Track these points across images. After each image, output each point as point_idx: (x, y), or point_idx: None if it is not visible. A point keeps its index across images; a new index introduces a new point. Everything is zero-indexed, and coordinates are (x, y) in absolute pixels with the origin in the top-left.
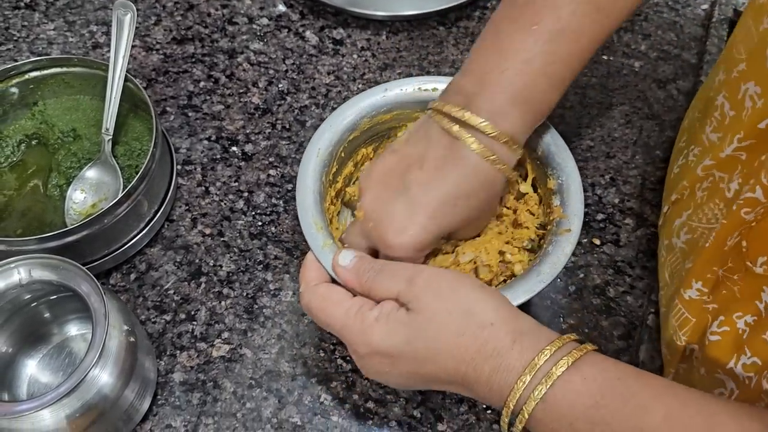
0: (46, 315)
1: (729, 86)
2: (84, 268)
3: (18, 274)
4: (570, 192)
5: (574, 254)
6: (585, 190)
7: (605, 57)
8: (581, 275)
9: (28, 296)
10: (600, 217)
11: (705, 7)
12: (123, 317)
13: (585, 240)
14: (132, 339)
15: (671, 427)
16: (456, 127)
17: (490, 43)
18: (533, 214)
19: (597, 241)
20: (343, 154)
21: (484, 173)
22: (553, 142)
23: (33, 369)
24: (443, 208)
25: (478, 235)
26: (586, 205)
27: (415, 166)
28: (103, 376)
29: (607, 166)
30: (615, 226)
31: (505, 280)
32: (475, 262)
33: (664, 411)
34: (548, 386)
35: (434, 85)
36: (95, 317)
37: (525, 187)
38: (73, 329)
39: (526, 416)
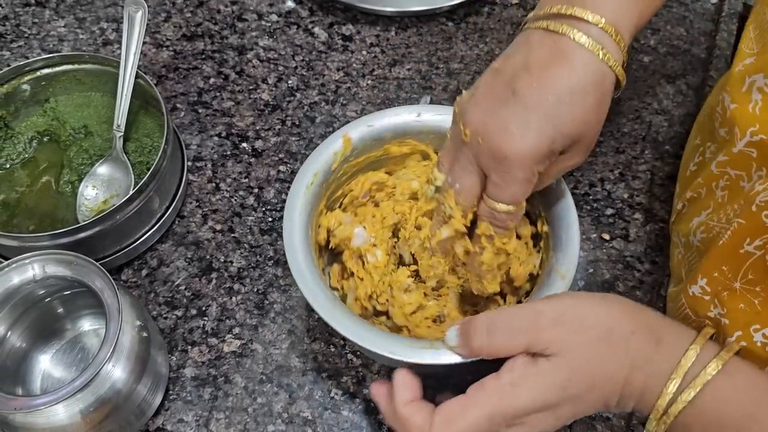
0: (60, 310)
1: (733, 83)
2: (97, 263)
3: (32, 269)
4: (568, 245)
5: (583, 249)
6: (594, 185)
7: None
8: (591, 270)
9: (42, 292)
10: (609, 212)
11: (714, 1)
12: (136, 313)
13: (594, 235)
14: (145, 334)
15: None
16: (556, 24)
17: None
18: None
19: (606, 236)
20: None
21: (594, 69)
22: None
23: (46, 364)
24: (558, 108)
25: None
26: (596, 200)
27: (521, 72)
28: (117, 371)
29: (617, 161)
30: (624, 222)
31: None
32: None
33: None
34: (697, 391)
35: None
36: (109, 312)
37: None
38: (86, 325)
39: (671, 418)
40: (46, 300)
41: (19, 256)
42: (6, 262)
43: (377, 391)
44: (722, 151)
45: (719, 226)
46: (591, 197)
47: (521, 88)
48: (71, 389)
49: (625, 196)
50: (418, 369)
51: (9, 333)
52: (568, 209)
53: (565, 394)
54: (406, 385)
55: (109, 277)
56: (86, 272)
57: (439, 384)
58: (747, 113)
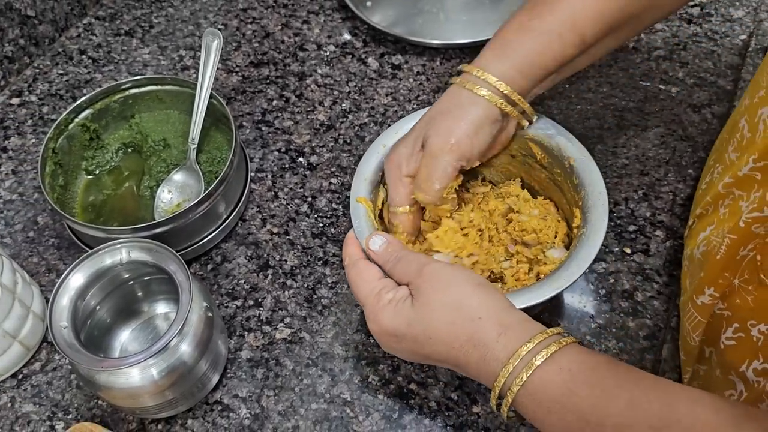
0: (139, 294)
1: (750, 110)
2: (173, 250)
3: (120, 254)
4: (597, 203)
5: (605, 261)
6: (618, 204)
7: (643, 83)
8: (612, 280)
9: (127, 275)
10: (632, 228)
11: (743, 37)
12: (203, 296)
13: (617, 249)
14: (210, 314)
15: (632, 411)
16: (469, 83)
17: (500, 35)
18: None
19: (628, 250)
20: None
21: (491, 110)
22: (582, 156)
23: (125, 339)
24: (472, 135)
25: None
26: (620, 218)
27: (437, 115)
28: (183, 345)
29: (641, 182)
30: (645, 237)
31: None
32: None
33: (627, 397)
34: (528, 374)
35: None
36: (181, 292)
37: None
38: (160, 308)
39: (510, 400)
40: (129, 283)
41: (110, 242)
42: (100, 246)
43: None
44: (728, 173)
45: (716, 240)
46: (615, 215)
47: (436, 128)
48: (148, 353)
49: (648, 214)
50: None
51: (98, 307)
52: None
53: (409, 331)
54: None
55: (183, 262)
56: (164, 258)
57: None
58: (754, 142)
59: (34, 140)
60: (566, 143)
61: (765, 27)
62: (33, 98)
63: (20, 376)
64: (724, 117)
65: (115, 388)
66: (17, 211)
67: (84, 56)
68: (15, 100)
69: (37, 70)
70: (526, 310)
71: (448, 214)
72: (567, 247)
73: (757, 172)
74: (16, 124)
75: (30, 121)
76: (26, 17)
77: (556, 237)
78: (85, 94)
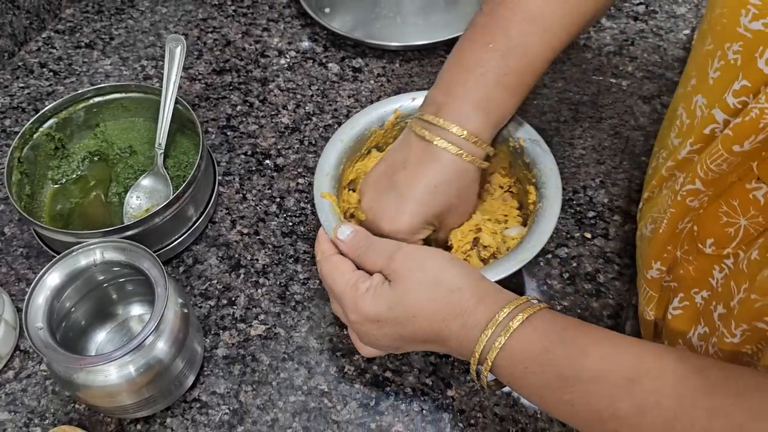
0: (114, 296)
1: (685, 98)
2: (147, 248)
3: (95, 254)
4: (549, 180)
5: (567, 246)
6: (577, 191)
7: (595, 77)
8: (574, 264)
9: (101, 277)
10: (591, 214)
11: (686, 32)
12: (178, 293)
13: (578, 234)
14: (185, 311)
15: (606, 365)
16: (428, 133)
17: (455, 59)
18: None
19: (588, 235)
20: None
21: (457, 165)
22: (537, 146)
23: (100, 341)
24: (426, 197)
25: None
26: (579, 205)
27: (399, 168)
28: (160, 343)
29: (598, 171)
30: (605, 222)
31: (484, 261)
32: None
33: (600, 352)
34: (506, 337)
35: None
36: (156, 287)
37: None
38: (135, 310)
39: (490, 363)
40: (104, 285)
41: (84, 243)
42: (75, 247)
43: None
44: (671, 158)
45: (660, 216)
46: (575, 202)
47: (398, 182)
48: (126, 349)
49: (606, 200)
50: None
51: (73, 309)
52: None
53: (390, 314)
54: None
55: (157, 259)
56: (138, 257)
57: None
58: (693, 127)
59: None
60: (516, 126)
61: None
62: None
63: None
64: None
65: (94, 387)
66: None
67: (45, 69)
68: None
69: None
70: None
71: None
72: (524, 224)
73: (694, 154)
74: None
75: None
76: None
77: (507, 220)
78: (47, 106)
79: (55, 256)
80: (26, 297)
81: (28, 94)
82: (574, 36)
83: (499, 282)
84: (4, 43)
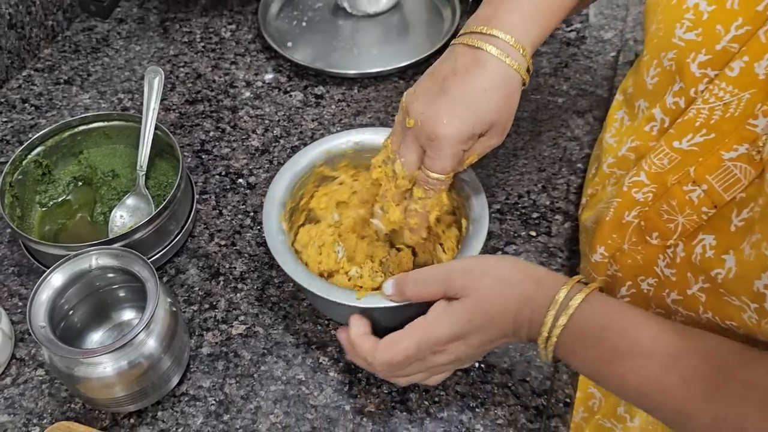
0: (108, 302)
1: (627, 104)
2: (138, 253)
3: (89, 261)
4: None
5: (515, 243)
6: (522, 196)
7: (534, 96)
8: (522, 259)
9: (97, 283)
10: (535, 215)
11: (613, 54)
12: (167, 293)
13: (524, 233)
14: (174, 309)
15: (655, 342)
16: (477, 41)
17: None
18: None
19: (533, 233)
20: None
21: (503, 72)
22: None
23: (94, 341)
24: (476, 101)
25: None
26: (524, 207)
27: (449, 75)
28: (150, 340)
29: (539, 177)
30: (547, 222)
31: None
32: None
33: (649, 331)
34: (567, 318)
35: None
36: (148, 286)
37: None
38: (127, 315)
39: (554, 340)
40: (99, 291)
41: (80, 250)
42: (73, 253)
43: (340, 333)
44: (611, 156)
45: (605, 207)
46: (520, 205)
47: (449, 86)
48: (123, 341)
49: (547, 203)
50: (365, 313)
51: (71, 312)
52: (481, 202)
53: (472, 326)
54: (358, 323)
55: (148, 262)
56: (129, 261)
57: (387, 332)
58: (633, 127)
59: None
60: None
61: (630, 45)
62: None
63: None
64: (603, 119)
65: (93, 380)
66: None
67: (27, 104)
68: None
69: None
70: None
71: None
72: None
73: (631, 152)
74: None
75: None
76: None
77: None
78: (30, 138)
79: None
80: (30, 296)
81: (12, 127)
82: None
83: None
84: None
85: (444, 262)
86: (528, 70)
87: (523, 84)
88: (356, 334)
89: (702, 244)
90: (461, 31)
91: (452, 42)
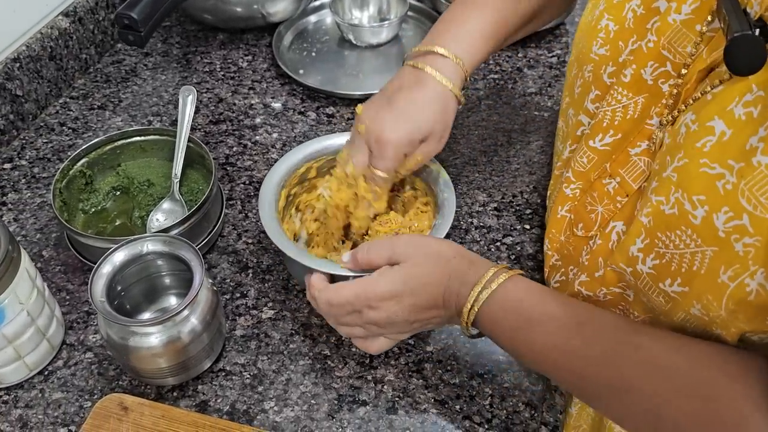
0: (155, 287)
1: (563, 113)
2: (185, 239)
3: (140, 246)
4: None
5: (512, 236)
6: (516, 196)
7: (523, 111)
8: (518, 248)
9: (148, 269)
10: (528, 211)
11: None
12: (208, 275)
13: (519, 226)
14: (214, 289)
15: (564, 311)
16: (419, 62)
17: (447, 17)
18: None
19: (527, 226)
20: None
21: (440, 90)
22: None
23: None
24: (416, 114)
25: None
26: (518, 205)
27: (396, 91)
28: (195, 315)
29: (530, 179)
30: (539, 216)
31: None
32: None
33: (558, 303)
34: (490, 291)
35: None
36: (193, 267)
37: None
38: (172, 301)
39: (476, 310)
40: (148, 276)
41: (132, 237)
42: (126, 239)
43: (306, 276)
44: (559, 160)
45: (550, 205)
46: (515, 203)
47: (395, 100)
48: (171, 313)
49: (539, 201)
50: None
51: (123, 293)
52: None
53: (406, 287)
54: (321, 274)
55: (193, 246)
56: (177, 247)
57: None
58: (570, 133)
59: (29, 194)
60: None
61: None
62: (23, 162)
63: (46, 372)
64: None
65: (143, 349)
66: (24, 248)
67: (64, 127)
68: (7, 165)
69: (24, 141)
70: None
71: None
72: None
73: (572, 154)
74: (12, 183)
75: (23, 180)
76: (16, 96)
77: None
78: (69, 156)
79: (92, 268)
80: (91, 273)
81: (52, 147)
82: (538, 8)
83: None
84: (29, 107)
85: (392, 236)
86: (464, 88)
87: (459, 102)
88: (315, 276)
89: (615, 231)
90: (409, 52)
91: (404, 61)
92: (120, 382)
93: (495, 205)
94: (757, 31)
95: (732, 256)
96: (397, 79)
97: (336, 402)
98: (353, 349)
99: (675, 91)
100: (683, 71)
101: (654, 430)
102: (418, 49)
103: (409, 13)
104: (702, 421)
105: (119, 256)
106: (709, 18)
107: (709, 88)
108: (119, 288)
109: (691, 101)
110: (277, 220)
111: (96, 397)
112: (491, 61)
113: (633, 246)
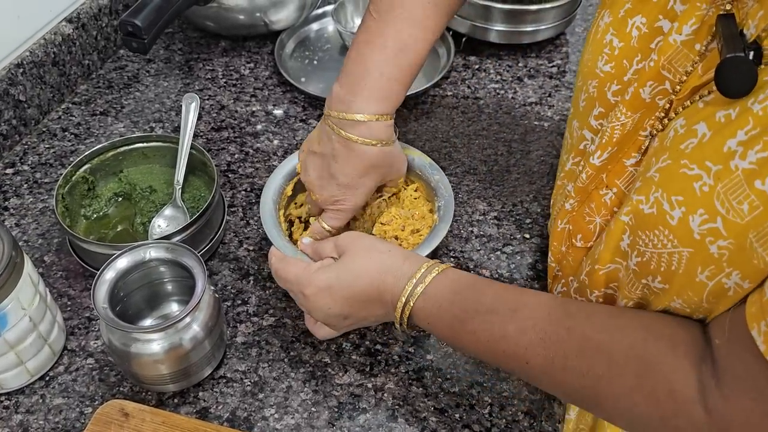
0: (157, 294)
1: (568, 124)
2: (186, 246)
3: (143, 253)
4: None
5: (512, 245)
6: (516, 205)
7: (523, 121)
8: (518, 258)
9: (151, 276)
10: (528, 221)
11: None
12: (210, 282)
13: (519, 236)
14: (216, 296)
15: (497, 300)
16: (344, 132)
17: (355, 61)
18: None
19: (527, 236)
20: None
21: (375, 151)
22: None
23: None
24: (362, 179)
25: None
26: (518, 214)
27: (331, 161)
28: (197, 322)
29: (530, 189)
30: (539, 226)
31: None
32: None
33: (492, 292)
34: (425, 285)
35: None
36: (196, 274)
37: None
38: (173, 308)
39: (411, 305)
40: (150, 283)
41: (135, 243)
42: (129, 245)
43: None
44: (562, 171)
45: (552, 218)
46: (515, 212)
47: (335, 173)
48: (174, 319)
49: (539, 210)
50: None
51: (126, 298)
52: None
53: (339, 280)
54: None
55: (196, 253)
56: (179, 254)
57: None
58: (573, 145)
59: (31, 199)
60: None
61: None
62: (26, 167)
63: (47, 378)
64: None
65: (144, 356)
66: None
67: (66, 132)
68: (9, 170)
69: (26, 146)
70: None
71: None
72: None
73: (575, 166)
74: (14, 188)
75: (25, 185)
76: (19, 101)
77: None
78: (71, 162)
79: (93, 274)
80: (94, 279)
81: (54, 152)
82: (441, 32)
83: None
84: (32, 112)
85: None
86: (394, 128)
87: (396, 134)
88: (273, 247)
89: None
90: (329, 109)
91: (324, 117)
92: (121, 389)
93: (495, 214)
94: (751, 54)
95: (707, 257)
96: (328, 145)
97: (336, 410)
98: (354, 357)
99: (668, 105)
100: (677, 88)
101: (596, 406)
102: (338, 114)
103: None
104: (637, 395)
105: (122, 263)
106: (709, 38)
107: (698, 98)
108: (122, 294)
109: (681, 109)
110: (279, 227)
111: (97, 403)
112: (492, 71)
113: (622, 243)
